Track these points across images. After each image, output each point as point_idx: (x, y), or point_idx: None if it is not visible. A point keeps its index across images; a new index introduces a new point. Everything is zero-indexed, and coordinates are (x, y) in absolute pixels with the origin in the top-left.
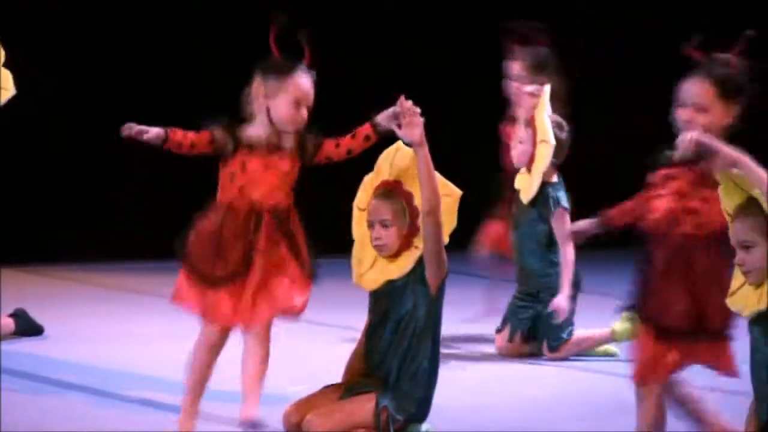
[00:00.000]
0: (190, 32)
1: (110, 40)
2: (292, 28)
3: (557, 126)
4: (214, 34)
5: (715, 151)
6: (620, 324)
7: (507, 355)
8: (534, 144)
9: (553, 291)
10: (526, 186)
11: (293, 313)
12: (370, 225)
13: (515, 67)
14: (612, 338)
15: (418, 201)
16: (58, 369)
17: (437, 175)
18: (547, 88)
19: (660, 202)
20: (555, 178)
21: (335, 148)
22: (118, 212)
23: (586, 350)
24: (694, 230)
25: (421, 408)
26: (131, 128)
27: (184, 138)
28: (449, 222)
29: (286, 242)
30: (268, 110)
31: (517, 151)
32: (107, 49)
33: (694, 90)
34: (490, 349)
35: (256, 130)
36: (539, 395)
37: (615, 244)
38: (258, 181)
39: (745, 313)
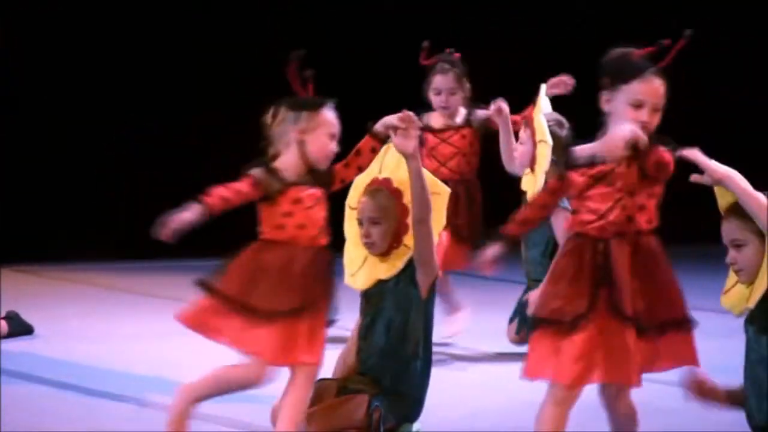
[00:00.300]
0: (190, 33)
1: (108, 39)
2: (300, 64)
3: (557, 124)
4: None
5: (702, 166)
6: None
7: (517, 344)
8: (534, 144)
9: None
10: (532, 186)
11: None
12: (360, 223)
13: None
14: None
15: (407, 199)
16: (50, 368)
17: (426, 173)
18: (542, 87)
19: (606, 201)
20: None
21: (346, 169)
22: (110, 212)
23: None
24: (646, 226)
25: (414, 408)
26: (168, 226)
27: (226, 196)
28: (438, 220)
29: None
30: (304, 144)
31: (518, 153)
32: (104, 48)
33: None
34: (485, 348)
35: (290, 165)
36: (533, 398)
37: None
38: (314, 216)
39: (735, 311)
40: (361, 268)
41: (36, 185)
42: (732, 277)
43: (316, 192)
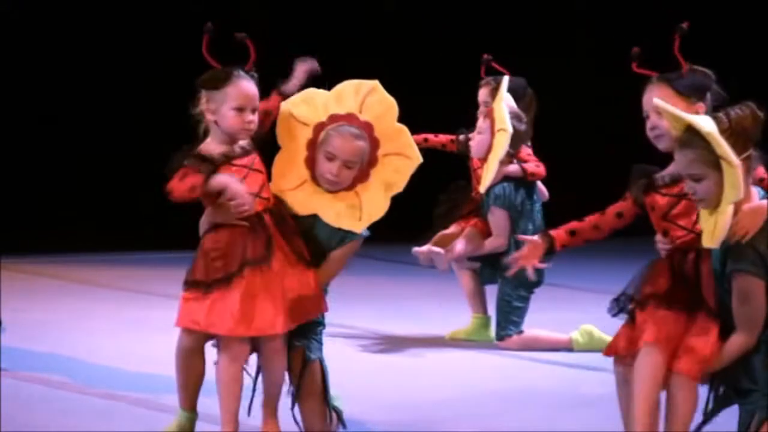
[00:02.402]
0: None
1: (104, 38)
2: (230, 33)
3: (515, 117)
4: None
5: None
6: (580, 335)
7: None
8: (492, 134)
9: (508, 279)
10: (484, 175)
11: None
12: (330, 158)
13: (482, 94)
14: (569, 346)
15: (381, 151)
16: (16, 361)
17: (406, 131)
18: (505, 79)
19: (688, 218)
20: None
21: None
22: (81, 205)
23: (539, 349)
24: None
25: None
26: None
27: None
28: (399, 184)
29: (289, 241)
30: (216, 123)
31: (475, 142)
32: (75, 40)
33: (649, 97)
34: (441, 335)
35: (215, 146)
36: (497, 387)
37: (613, 247)
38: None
39: (706, 245)
40: (296, 189)
41: (6, 178)
42: None
43: (246, 161)
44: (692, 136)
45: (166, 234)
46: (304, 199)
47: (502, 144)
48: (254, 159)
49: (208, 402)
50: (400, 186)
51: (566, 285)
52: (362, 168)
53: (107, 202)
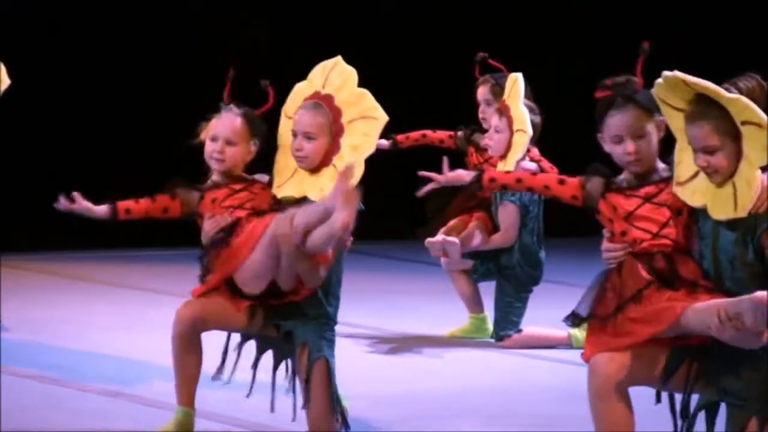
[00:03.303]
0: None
1: (105, 36)
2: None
3: (530, 110)
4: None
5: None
6: (578, 330)
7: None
8: (511, 132)
9: (511, 277)
10: None
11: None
12: (294, 135)
13: (482, 92)
14: (568, 343)
15: (345, 119)
16: (15, 358)
17: (367, 94)
18: (519, 77)
19: (651, 222)
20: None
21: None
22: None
23: (538, 347)
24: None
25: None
26: (71, 205)
27: (139, 200)
28: (367, 145)
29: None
30: None
31: (493, 141)
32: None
33: (623, 121)
34: (442, 332)
35: (215, 175)
36: (497, 383)
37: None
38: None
39: (720, 216)
40: (289, 180)
41: (5, 176)
42: (684, 165)
43: (233, 186)
44: (705, 107)
45: (166, 232)
46: (295, 186)
47: (522, 144)
48: (248, 185)
49: (213, 401)
50: (369, 147)
51: (564, 282)
52: (334, 140)
53: (107, 200)
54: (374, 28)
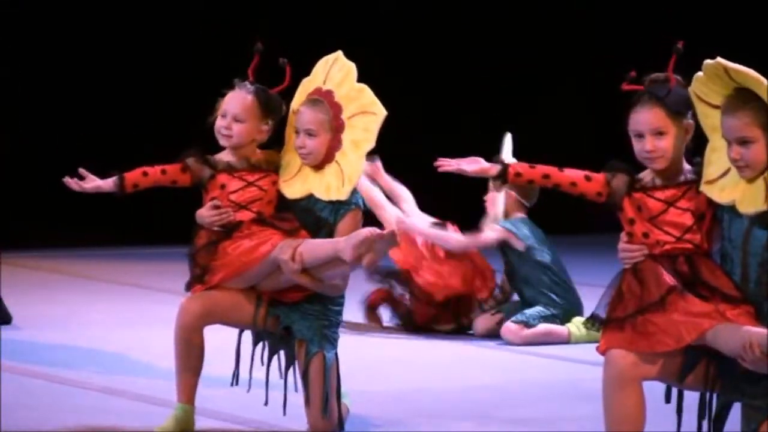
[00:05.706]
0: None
1: (106, 34)
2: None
3: None
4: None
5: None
6: (577, 327)
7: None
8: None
9: (525, 287)
10: None
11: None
12: (297, 131)
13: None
14: (567, 339)
15: (346, 115)
16: (15, 354)
17: (366, 90)
18: (507, 138)
19: (675, 227)
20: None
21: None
22: (73, 199)
23: (538, 343)
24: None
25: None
26: (80, 184)
27: (147, 170)
28: (368, 140)
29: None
30: None
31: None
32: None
33: (645, 118)
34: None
35: (224, 155)
36: (496, 380)
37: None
38: (234, 201)
39: (749, 210)
40: (295, 176)
41: (4, 173)
42: (714, 166)
43: (250, 177)
44: (744, 98)
45: (166, 229)
46: (302, 184)
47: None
48: (261, 177)
49: (214, 399)
50: (369, 142)
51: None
52: (335, 136)
53: (106, 198)
54: (374, 29)
